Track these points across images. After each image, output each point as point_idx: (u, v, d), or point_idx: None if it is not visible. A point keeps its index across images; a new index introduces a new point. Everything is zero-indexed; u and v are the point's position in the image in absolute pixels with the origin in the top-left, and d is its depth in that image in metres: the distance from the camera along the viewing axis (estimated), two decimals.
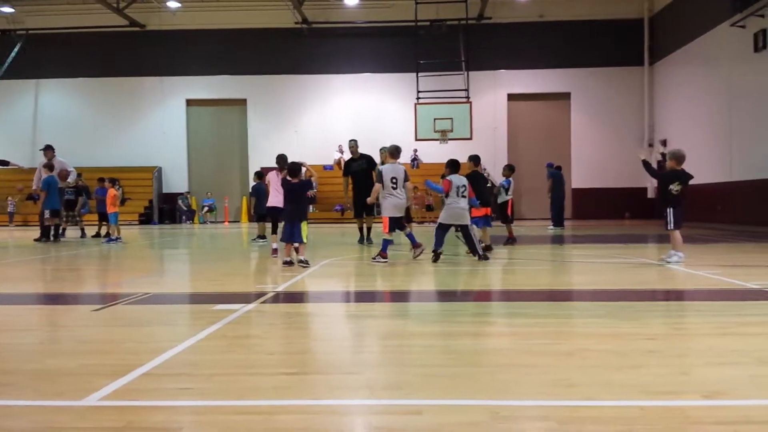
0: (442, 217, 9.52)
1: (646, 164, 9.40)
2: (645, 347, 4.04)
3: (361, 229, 13.26)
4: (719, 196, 20.13)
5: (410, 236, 9.75)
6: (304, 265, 8.69)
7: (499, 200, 13.05)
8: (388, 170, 9.43)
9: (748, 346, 4.06)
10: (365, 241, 13.03)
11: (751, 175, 18.41)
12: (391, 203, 9.42)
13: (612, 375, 3.42)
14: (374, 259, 9.31)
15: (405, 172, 9.56)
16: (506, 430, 2.67)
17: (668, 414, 2.82)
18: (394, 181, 9.36)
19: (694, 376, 3.42)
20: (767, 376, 3.38)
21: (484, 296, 6.57)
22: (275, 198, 10.54)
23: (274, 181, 10.81)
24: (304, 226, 8.78)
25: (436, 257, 9.24)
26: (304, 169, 9.33)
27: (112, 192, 14.64)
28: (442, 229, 9.48)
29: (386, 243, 9.30)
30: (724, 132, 20.14)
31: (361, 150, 13.50)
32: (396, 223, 9.58)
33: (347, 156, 14.40)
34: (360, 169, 13.09)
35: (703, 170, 20.88)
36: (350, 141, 13.71)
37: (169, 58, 27.48)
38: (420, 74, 23.09)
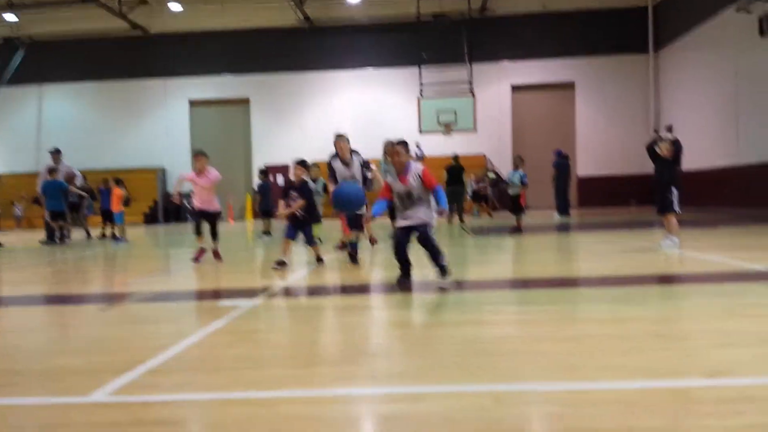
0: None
1: (678, 146, 8.90)
2: (649, 331, 4.04)
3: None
4: (727, 180, 20.06)
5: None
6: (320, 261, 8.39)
7: (511, 191, 13.07)
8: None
9: (753, 327, 4.05)
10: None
11: (759, 158, 18.32)
12: None
13: (615, 358, 3.42)
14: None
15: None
16: (508, 414, 2.67)
17: (670, 394, 2.82)
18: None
19: (698, 357, 3.41)
20: None
21: (487, 285, 6.57)
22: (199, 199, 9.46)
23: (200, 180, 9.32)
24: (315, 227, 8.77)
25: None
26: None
27: (117, 192, 14.74)
28: None
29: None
30: (731, 116, 20.05)
31: (363, 145, 13.25)
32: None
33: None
34: None
35: (710, 154, 20.88)
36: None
37: (172, 60, 27.56)
38: (423, 68, 23.11)
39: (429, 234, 5.95)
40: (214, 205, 9.44)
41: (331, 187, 8.39)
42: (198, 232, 9.55)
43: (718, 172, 20.67)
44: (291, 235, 8.22)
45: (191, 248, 13.97)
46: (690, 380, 2.99)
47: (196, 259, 9.43)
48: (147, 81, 27.91)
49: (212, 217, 9.48)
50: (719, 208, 19.46)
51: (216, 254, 9.53)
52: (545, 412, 2.74)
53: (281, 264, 7.97)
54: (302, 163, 8.43)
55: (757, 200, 18.15)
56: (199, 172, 9.24)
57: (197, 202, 9.44)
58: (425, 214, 6.01)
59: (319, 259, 8.43)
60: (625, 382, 2.99)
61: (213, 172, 9.26)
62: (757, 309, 4.58)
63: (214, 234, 9.50)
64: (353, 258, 8.51)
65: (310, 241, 8.40)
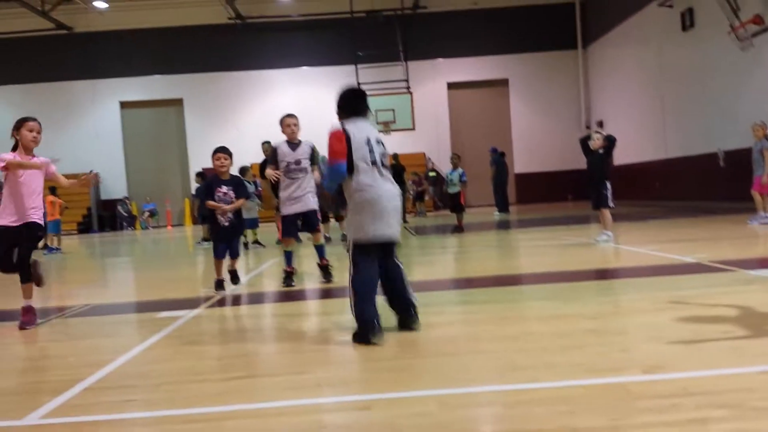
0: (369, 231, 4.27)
1: (611, 140, 9.03)
2: (586, 327, 4.14)
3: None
4: (656, 174, 20.75)
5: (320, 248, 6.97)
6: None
7: (451, 190, 13.19)
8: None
9: (684, 319, 4.19)
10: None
11: (685, 151, 19.02)
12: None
13: (555, 356, 3.49)
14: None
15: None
16: (453, 418, 2.69)
17: (610, 391, 2.89)
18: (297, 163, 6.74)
19: (634, 352, 3.51)
20: (702, 348, 3.50)
21: (430, 286, 6.61)
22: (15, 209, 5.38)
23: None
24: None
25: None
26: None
27: (52, 199, 14.27)
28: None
29: (288, 255, 6.88)
30: (657, 110, 20.75)
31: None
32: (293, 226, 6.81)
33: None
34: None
35: (639, 148, 21.56)
36: (263, 144, 11.96)
37: (100, 60, 26.68)
38: (359, 66, 23.10)
39: (351, 261, 4.24)
40: (38, 213, 5.50)
41: (271, 171, 6.73)
42: (27, 276, 5.35)
43: (647, 165, 21.37)
44: (221, 254, 6.61)
45: (129, 258, 13.61)
46: (627, 376, 3.07)
47: (28, 324, 5.29)
48: (74, 83, 26.95)
49: (33, 234, 5.48)
50: (649, 201, 20.12)
51: (26, 295, 5.39)
52: (489, 414, 2.77)
53: (220, 285, 6.65)
54: (225, 150, 6.65)
55: (684, 192, 18.85)
56: (27, 149, 5.44)
57: (12, 213, 5.34)
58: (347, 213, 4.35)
59: (235, 277, 6.91)
60: (566, 380, 3.05)
61: (43, 160, 5.59)
62: (687, 301, 4.74)
63: (25, 262, 5.35)
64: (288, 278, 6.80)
65: (235, 253, 6.82)
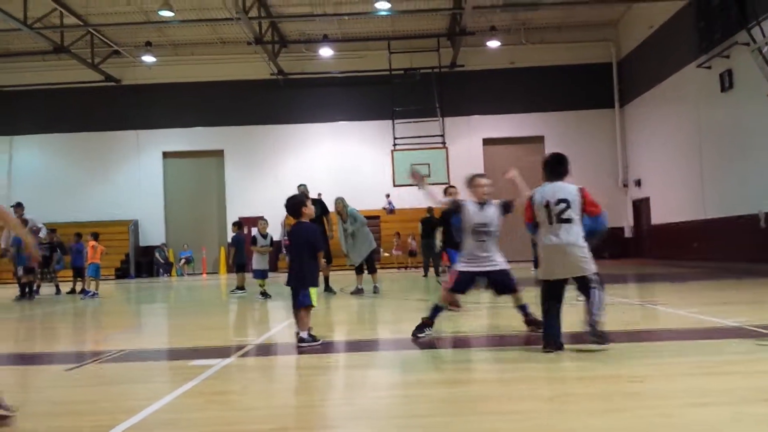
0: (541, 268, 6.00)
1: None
2: (627, 390, 4.03)
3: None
4: (695, 234, 20.39)
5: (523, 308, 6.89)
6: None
7: None
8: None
9: (728, 384, 4.06)
10: (325, 290, 12.17)
11: (724, 212, 18.71)
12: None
13: (594, 419, 3.40)
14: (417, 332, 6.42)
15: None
16: None
17: None
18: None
19: (676, 417, 3.40)
20: (748, 415, 3.37)
21: (464, 342, 6.52)
22: None
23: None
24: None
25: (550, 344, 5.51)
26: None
27: (94, 244, 14.58)
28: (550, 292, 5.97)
29: (437, 309, 6.55)
30: (696, 170, 20.52)
31: (347, 198, 12.87)
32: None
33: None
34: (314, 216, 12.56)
35: (677, 208, 21.28)
36: (299, 186, 12.81)
37: (145, 111, 27.55)
38: (396, 121, 23.48)
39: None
40: None
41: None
42: None
43: (685, 225, 21.03)
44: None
45: (164, 304, 13.74)
46: None
47: None
48: (119, 133, 27.81)
49: None
50: (688, 262, 19.72)
51: None
52: None
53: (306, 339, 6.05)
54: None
55: (724, 254, 18.44)
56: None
57: None
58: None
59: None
60: None
61: None
62: (730, 366, 4.60)
63: None
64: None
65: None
